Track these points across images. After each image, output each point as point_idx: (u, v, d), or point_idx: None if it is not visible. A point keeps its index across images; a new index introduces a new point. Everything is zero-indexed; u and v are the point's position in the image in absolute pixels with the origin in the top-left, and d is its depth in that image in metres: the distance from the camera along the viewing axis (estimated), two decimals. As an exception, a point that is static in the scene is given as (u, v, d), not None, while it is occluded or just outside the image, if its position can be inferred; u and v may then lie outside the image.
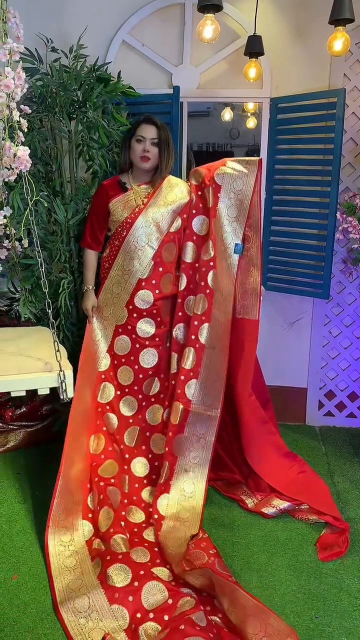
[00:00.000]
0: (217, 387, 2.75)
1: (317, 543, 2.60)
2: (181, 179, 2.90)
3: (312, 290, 3.36)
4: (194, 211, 2.79)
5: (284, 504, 2.79)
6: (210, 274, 2.75)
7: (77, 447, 2.66)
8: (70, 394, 2.01)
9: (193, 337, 2.76)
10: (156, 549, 2.45)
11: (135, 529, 2.59)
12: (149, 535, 2.56)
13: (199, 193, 2.80)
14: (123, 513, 2.61)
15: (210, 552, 2.45)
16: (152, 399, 2.85)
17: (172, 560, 2.36)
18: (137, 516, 2.66)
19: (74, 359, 2.47)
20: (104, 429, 2.81)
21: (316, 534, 2.67)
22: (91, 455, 2.73)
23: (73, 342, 3.05)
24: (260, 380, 2.99)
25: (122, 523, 2.56)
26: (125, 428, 2.82)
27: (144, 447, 2.83)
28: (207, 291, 2.76)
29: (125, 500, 2.69)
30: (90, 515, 2.59)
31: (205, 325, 2.76)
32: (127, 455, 2.81)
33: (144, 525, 2.60)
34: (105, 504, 2.60)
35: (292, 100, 3.25)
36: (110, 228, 2.80)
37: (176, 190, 2.77)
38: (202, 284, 2.76)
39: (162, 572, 2.32)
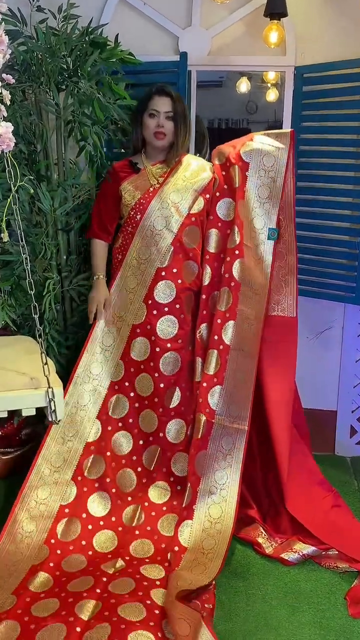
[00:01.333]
0: (244, 396, 2.80)
1: (347, 596, 2.58)
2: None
3: (343, 295, 3.37)
4: (217, 194, 2.89)
5: (308, 549, 2.78)
6: (236, 263, 2.82)
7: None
8: (61, 414, 2.01)
9: (216, 337, 2.82)
10: (157, 612, 2.34)
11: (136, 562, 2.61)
12: (156, 596, 2.45)
13: (224, 173, 2.89)
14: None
15: (207, 605, 2.43)
16: (173, 413, 2.90)
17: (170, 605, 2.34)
18: (145, 550, 2.68)
19: (60, 374, 2.45)
20: (108, 453, 2.85)
21: (346, 585, 2.65)
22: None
23: (59, 353, 3.08)
24: (297, 402, 3.03)
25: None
26: (143, 448, 2.89)
27: (164, 470, 2.88)
28: (232, 284, 2.82)
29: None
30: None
31: (230, 323, 2.83)
32: (144, 480, 2.87)
33: (147, 560, 2.62)
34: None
35: (321, 70, 3.26)
36: (122, 214, 2.88)
37: (196, 167, 2.88)
38: (227, 275, 2.83)
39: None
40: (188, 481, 2.82)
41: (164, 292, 2.85)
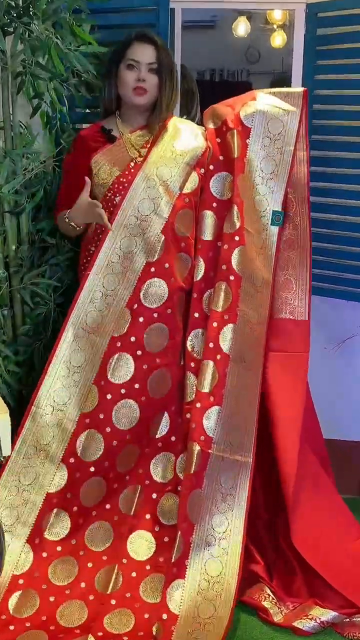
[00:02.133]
0: (248, 419, 2.77)
1: None
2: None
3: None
4: (211, 167, 2.85)
5: (327, 615, 2.71)
6: (236, 252, 2.78)
7: None
8: (7, 450, 1.99)
9: (212, 344, 2.76)
10: None
11: None
12: None
13: (219, 140, 2.85)
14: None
15: None
16: (159, 444, 2.84)
17: None
18: (123, 622, 2.61)
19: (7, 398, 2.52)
20: (75, 508, 2.74)
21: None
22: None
23: (7, 371, 2.97)
24: (314, 422, 3.02)
25: None
26: (118, 492, 2.80)
27: (148, 517, 2.80)
28: (232, 277, 2.77)
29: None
30: None
31: (229, 327, 2.78)
32: (122, 531, 2.78)
33: (126, 637, 2.55)
34: None
35: (340, 7, 3.16)
36: (96, 196, 2.83)
37: (186, 135, 2.85)
38: (224, 267, 2.78)
39: None
40: (178, 529, 2.69)
41: (153, 294, 2.76)
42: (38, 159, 3.01)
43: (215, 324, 2.77)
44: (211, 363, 2.76)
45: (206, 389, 2.76)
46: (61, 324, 2.81)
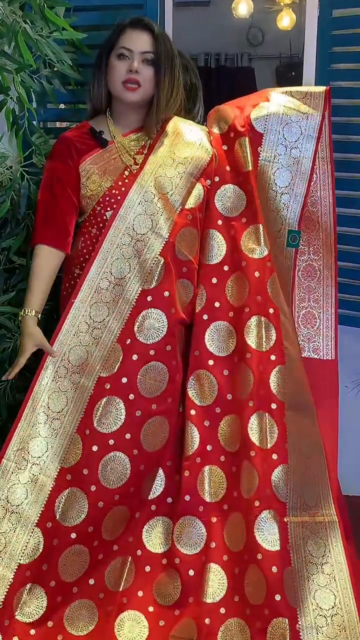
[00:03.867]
0: (319, 471, 2.66)
1: None
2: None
3: None
4: (216, 178, 2.74)
5: None
6: (270, 281, 2.69)
7: None
8: None
9: (262, 392, 2.60)
10: None
11: None
12: None
13: (225, 148, 2.75)
14: None
15: None
16: (153, 506, 2.65)
17: None
18: None
19: None
20: (52, 583, 2.54)
21: None
22: None
23: None
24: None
25: None
26: (106, 561, 2.59)
27: (140, 594, 2.61)
28: (271, 310, 2.65)
29: None
30: None
31: (279, 369, 2.64)
32: (109, 608, 2.58)
33: None
34: None
35: None
36: (83, 209, 2.73)
37: (191, 138, 2.73)
38: (259, 298, 2.65)
39: None
40: (279, 616, 2.50)
41: (150, 327, 2.60)
42: (3, 164, 2.92)
43: (261, 367, 2.62)
44: (266, 416, 2.60)
45: (268, 445, 2.60)
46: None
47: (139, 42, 2.61)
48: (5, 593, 2.49)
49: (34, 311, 2.62)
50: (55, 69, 2.93)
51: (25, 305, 2.64)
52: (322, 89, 2.71)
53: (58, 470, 2.58)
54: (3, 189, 2.86)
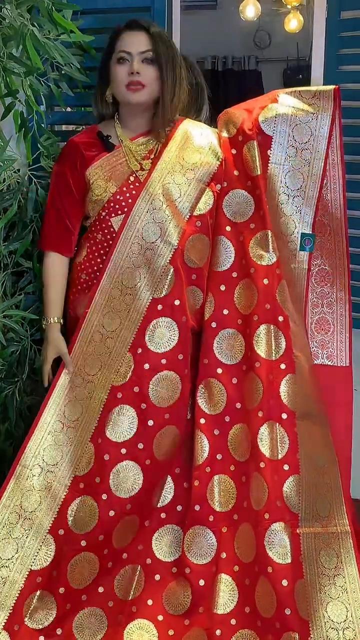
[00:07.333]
0: (332, 482, 2.64)
1: None
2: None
3: None
4: (225, 183, 2.74)
5: None
6: (280, 288, 2.68)
7: None
8: None
9: (272, 402, 2.60)
10: None
11: None
12: None
13: (234, 152, 2.74)
14: None
15: None
16: (163, 514, 2.67)
17: None
18: None
19: None
20: (61, 590, 2.56)
21: None
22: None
23: None
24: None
25: None
26: (116, 570, 2.61)
27: (150, 602, 2.62)
28: (281, 318, 2.65)
29: None
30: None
31: (289, 378, 2.64)
32: (119, 618, 2.59)
33: None
34: None
35: None
36: (89, 214, 2.74)
37: (200, 143, 2.73)
38: (268, 306, 2.65)
39: None
40: (290, 630, 2.51)
41: (161, 336, 2.62)
42: (11, 168, 2.89)
43: (271, 377, 2.61)
44: (277, 425, 2.60)
45: (279, 455, 2.59)
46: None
47: (136, 42, 2.64)
48: (16, 598, 2.51)
49: (56, 317, 2.69)
50: (62, 72, 2.96)
51: (47, 314, 2.71)
52: (331, 88, 2.70)
53: (72, 478, 2.61)
54: (10, 192, 2.87)
